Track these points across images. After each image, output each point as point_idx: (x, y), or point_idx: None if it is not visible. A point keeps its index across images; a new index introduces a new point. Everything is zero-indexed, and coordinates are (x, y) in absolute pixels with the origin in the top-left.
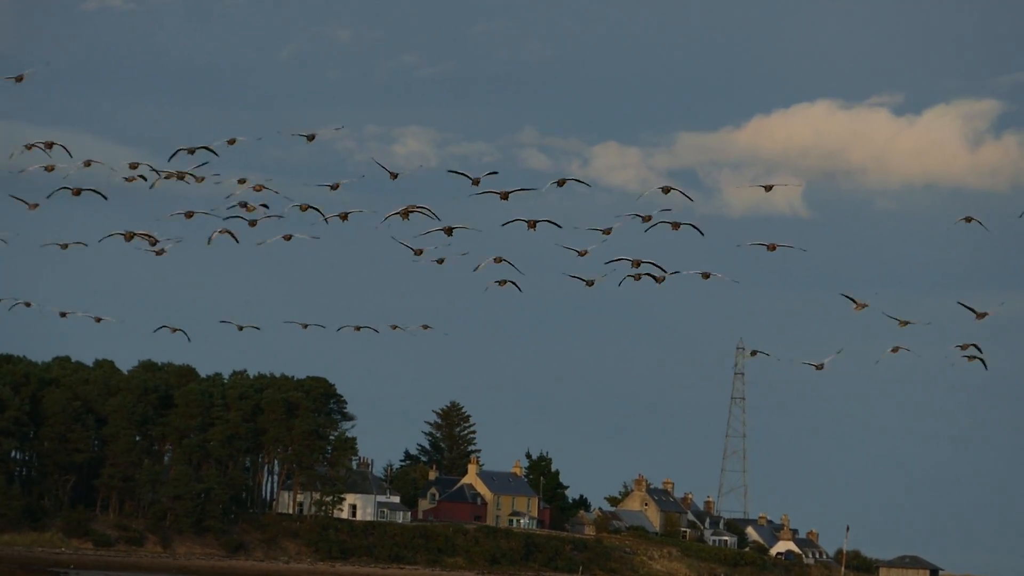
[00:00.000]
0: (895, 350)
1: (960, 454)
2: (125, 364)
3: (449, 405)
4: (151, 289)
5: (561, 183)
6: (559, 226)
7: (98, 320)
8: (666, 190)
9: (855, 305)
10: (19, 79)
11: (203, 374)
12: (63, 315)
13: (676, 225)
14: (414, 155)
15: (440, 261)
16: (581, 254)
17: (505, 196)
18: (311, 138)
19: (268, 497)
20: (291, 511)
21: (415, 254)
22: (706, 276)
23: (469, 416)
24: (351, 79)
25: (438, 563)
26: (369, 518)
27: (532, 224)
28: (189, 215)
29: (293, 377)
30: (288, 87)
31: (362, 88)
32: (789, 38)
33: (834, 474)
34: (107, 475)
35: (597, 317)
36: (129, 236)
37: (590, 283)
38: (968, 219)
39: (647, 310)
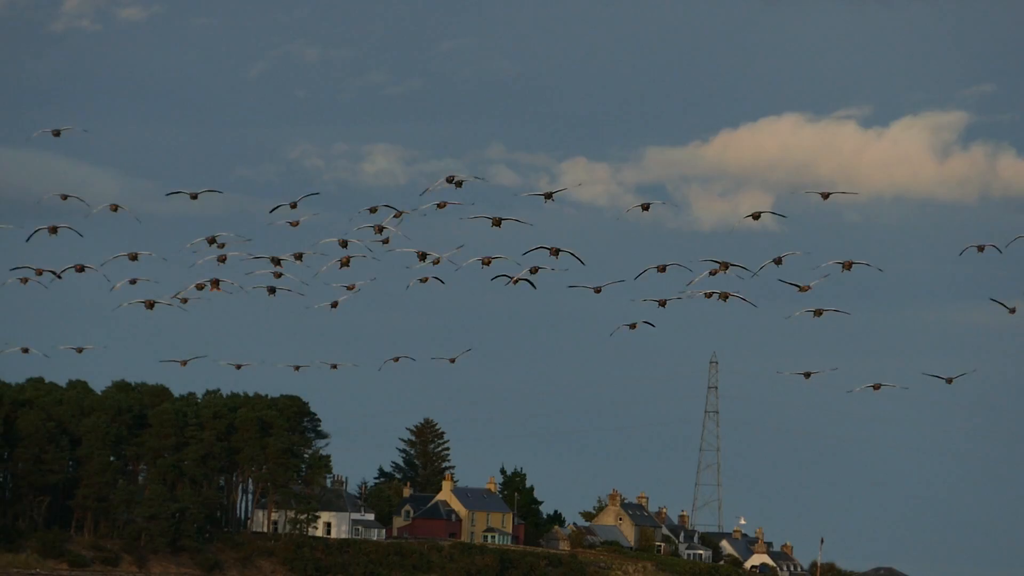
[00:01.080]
0: (876, 387)
1: (935, 466)
2: (98, 384)
3: (423, 422)
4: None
5: (548, 196)
6: (582, 262)
7: (80, 351)
8: (645, 207)
9: (1008, 310)
10: (56, 134)
11: (176, 394)
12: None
13: (724, 296)
14: (383, 172)
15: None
16: (596, 291)
17: (497, 223)
18: (56, 133)
19: (243, 516)
20: (266, 529)
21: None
22: (724, 297)
23: (443, 433)
24: (319, 98)
25: None
26: (344, 536)
27: (555, 252)
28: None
29: (267, 396)
30: (257, 106)
31: (330, 106)
32: (756, 52)
33: (808, 487)
34: (82, 496)
35: (570, 333)
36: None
37: (598, 290)
38: (980, 248)
39: (621, 324)
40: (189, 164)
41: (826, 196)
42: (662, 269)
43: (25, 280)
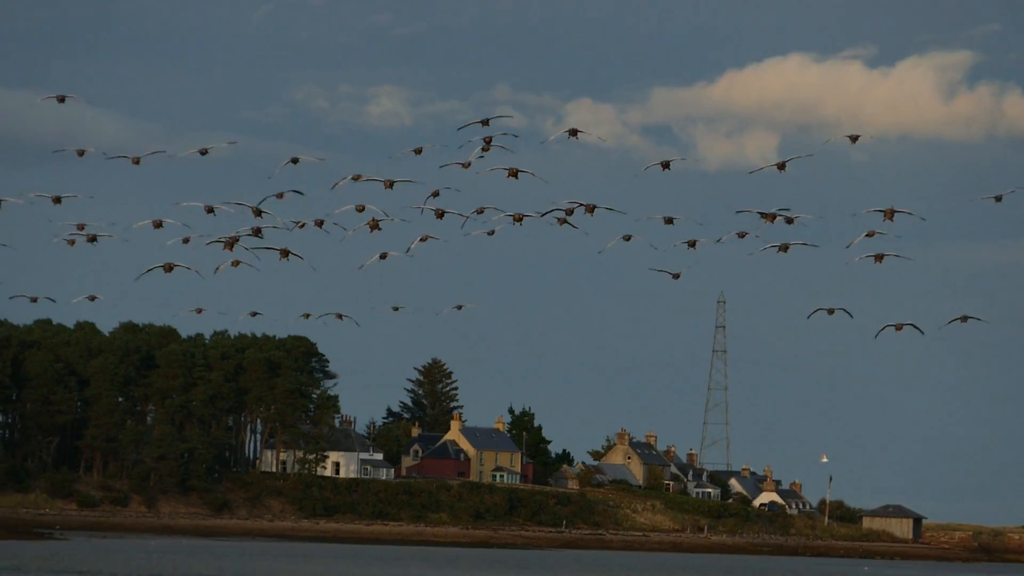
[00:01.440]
0: (899, 327)
1: (944, 404)
2: (106, 326)
3: (431, 362)
4: (131, 255)
5: (572, 133)
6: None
7: (92, 299)
8: (665, 165)
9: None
10: (61, 100)
11: (184, 335)
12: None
13: (785, 247)
14: (388, 114)
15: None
16: (675, 277)
17: (514, 174)
18: (61, 99)
19: (251, 456)
20: (274, 469)
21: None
22: (785, 249)
23: (451, 373)
24: (324, 39)
25: (422, 519)
26: (352, 475)
27: (591, 208)
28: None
29: (275, 336)
30: (261, 48)
31: (335, 48)
32: None
33: (817, 425)
34: (90, 436)
35: (578, 272)
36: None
37: (676, 276)
38: (964, 319)
39: (628, 265)
40: (194, 106)
41: (854, 139)
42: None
43: (71, 242)
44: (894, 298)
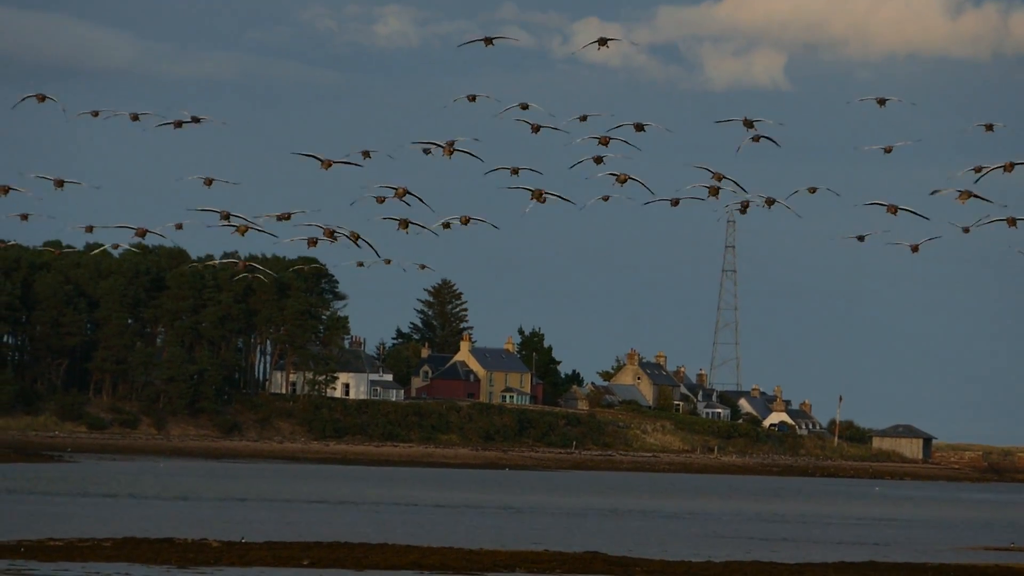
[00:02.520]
0: (892, 209)
1: (953, 323)
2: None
3: (440, 283)
4: (136, 168)
5: (602, 43)
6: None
7: (60, 184)
8: (755, 139)
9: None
10: (41, 99)
11: (194, 256)
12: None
13: (756, 138)
14: (396, 34)
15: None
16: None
17: (536, 129)
18: (41, 99)
19: (261, 377)
20: (284, 391)
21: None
22: (812, 190)
23: (461, 293)
24: None
25: (432, 440)
26: (362, 397)
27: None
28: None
29: (284, 258)
30: None
31: None
32: None
33: (827, 345)
34: (100, 358)
35: (587, 191)
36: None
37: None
38: (977, 169)
39: (638, 184)
40: (202, 27)
41: (882, 102)
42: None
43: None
44: (905, 217)
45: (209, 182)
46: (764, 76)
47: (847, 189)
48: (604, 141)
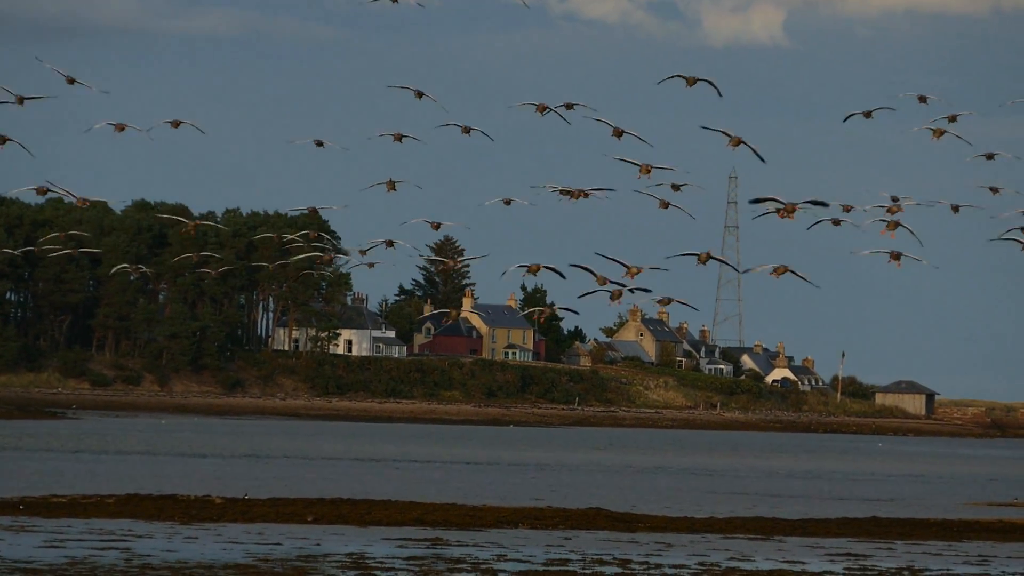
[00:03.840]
0: (868, 114)
1: (957, 279)
2: (118, 204)
3: (443, 239)
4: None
5: None
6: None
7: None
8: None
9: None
10: (20, 101)
11: (196, 212)
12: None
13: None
14: None
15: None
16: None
17: (619, 134)
18: (20, 101)
19: (264, 334)
20: (287, 347)
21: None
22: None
23: (463, 250)
24: None
25: (434, 397)
26: (365, 353)
27: (692, 81)
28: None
29: (286, 214)
30: None
31: None
32: None
33: (829, 301)
34: (102, 315)
35: (588, 147)
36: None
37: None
38: (989, 156)
39: (639, 141)
40: None
41: (923, 100)
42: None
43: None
44: (907, 171)
45: (176, 124)
46: (763, 32)
47: (844, 146)
48: (617, 133)
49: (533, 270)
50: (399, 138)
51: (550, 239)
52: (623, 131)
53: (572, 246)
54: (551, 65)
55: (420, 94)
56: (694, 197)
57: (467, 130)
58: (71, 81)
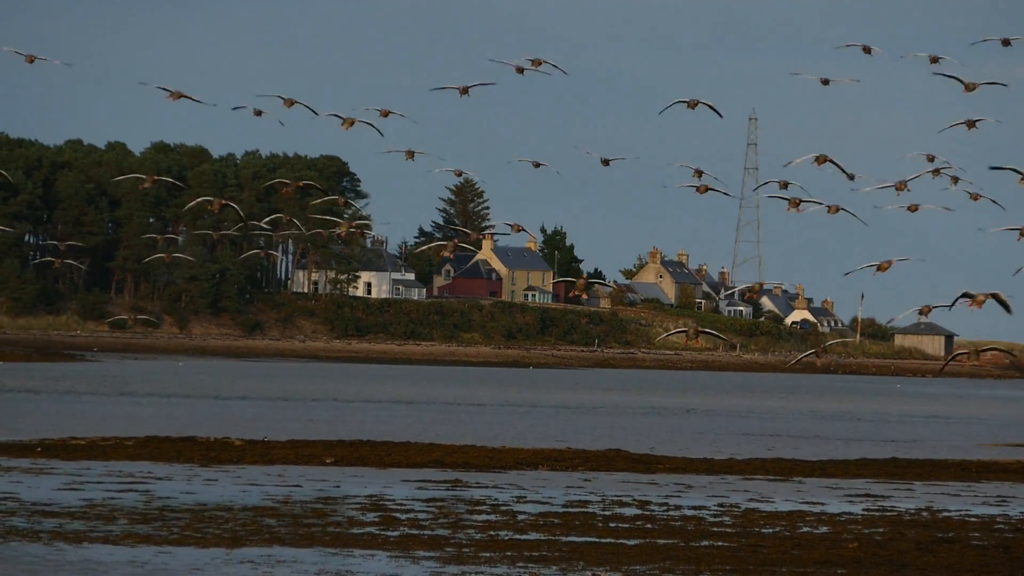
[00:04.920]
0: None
1: (975, 217)
2: (137, 146)
3: (463, 182)
4: (159, 65)
5: None
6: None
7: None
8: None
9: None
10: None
11: (216, 155)
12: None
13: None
14: None
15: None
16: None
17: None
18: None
19: (283, 277)
20: (306, 290)
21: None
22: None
23: (483, 192)
24: None
25: (454, 339)
26: (384, 295)
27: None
28: None
29: (306, 156)
30: None
31: None
32: None
33: (848, 242)
34: (122, 257)
35: (610, 89)
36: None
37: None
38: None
39: (659, 83)
40: None
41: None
42: None
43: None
44: (913, 111)
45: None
46: None
47: (851, 85)
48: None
49: (537, 62)
50: (385, 114)
51: (566, 186)
52: (698, 102)
53: (595, 192)
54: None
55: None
56: (714, 140)
57: (465, 91)
58: (31, 60)
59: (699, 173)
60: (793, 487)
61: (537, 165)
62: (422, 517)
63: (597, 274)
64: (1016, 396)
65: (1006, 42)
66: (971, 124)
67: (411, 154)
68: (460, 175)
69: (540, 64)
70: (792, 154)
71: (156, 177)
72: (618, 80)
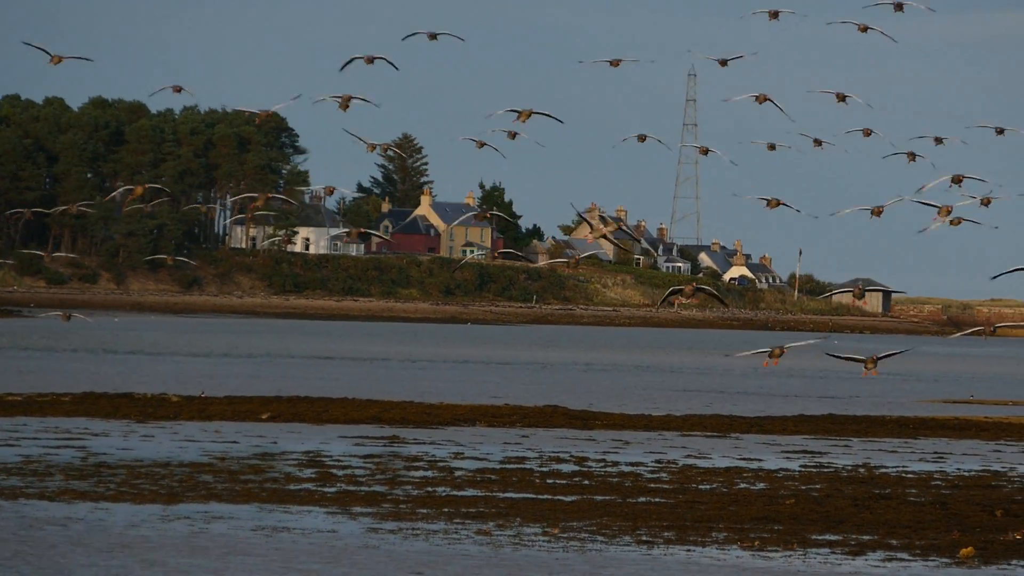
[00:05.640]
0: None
1: (913, 175)
2: (75, 101)
3: (401, 137)
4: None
5: None
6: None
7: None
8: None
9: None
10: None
11: (154, 110)
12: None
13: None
14: None
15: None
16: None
17: (616, 63)
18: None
19: (221, 232)
20: (244, 246)
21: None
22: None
23: (421, 148)
24: None
25: (392, 295)
26: (322, 251)
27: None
28: None
29: (244, 112)
30: None
31: None
32: None
33: (787, 198)
34: (59, 213)
35: (549, 46)
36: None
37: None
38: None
39: (598, 40)
40: None
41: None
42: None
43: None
44: (889, 73)
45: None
46: None
47: (821, 43)
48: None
49: (524, 116)
50: (370, 60)
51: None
52: (845, 95)
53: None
54: None
55: (433, 36)
56: (653, 96)
57: (433, 36)
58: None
59: (642, 138)
60: (731, 443)
61: (433, 37)
62: (359, 473)
63: (535, 231)
64: (951, 352)
65: (899, 7)
66: (841, 97)
67: (347, 103)
68: (387, 150)
69: (529, 117)
70: (729, 108)
71: (146, 185)
72: (568, 33)
